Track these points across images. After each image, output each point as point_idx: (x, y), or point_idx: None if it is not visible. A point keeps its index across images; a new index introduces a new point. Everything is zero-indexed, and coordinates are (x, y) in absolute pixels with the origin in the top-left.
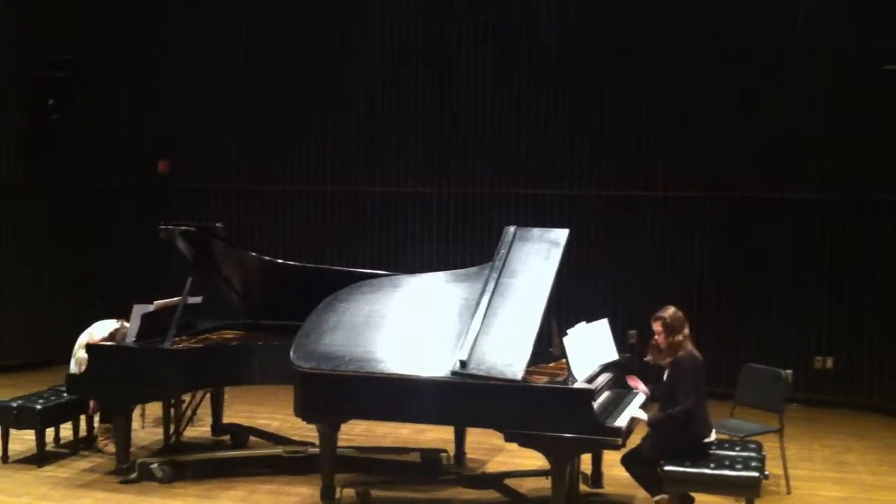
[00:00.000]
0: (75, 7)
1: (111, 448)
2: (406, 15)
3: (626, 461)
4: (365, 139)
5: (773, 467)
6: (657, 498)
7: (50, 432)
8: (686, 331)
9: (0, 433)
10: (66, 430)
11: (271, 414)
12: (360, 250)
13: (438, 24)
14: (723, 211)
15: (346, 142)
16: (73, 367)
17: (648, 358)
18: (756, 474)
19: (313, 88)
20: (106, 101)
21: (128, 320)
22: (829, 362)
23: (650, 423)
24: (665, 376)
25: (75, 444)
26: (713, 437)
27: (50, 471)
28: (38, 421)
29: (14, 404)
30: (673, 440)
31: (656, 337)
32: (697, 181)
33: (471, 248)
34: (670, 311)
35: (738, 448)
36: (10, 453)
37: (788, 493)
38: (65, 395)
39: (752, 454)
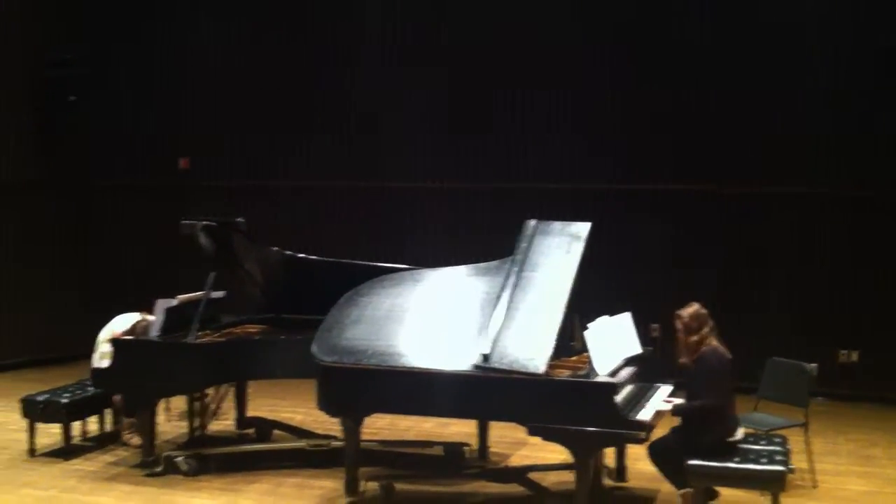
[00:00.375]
0: (82, 6)
1: (136, 441)
2: (413, 12)
3: (652, 453)
4: (378, 136)
5: (798, 461)
6: (682, 492)
7: (78, 427)
8: (706, 329)
9: (27, 427)
10: (93, 424)
11: (294, 408)
12: (379, 245)
13: (446, 19)
14: (746, 203)
15: (360, 138)
16: (96, 361)
17: (682, 360)
18: (781, 468)
19: (324, 85)
20: (116, 99)
21: (149, 313)
22: (855, 356)
23: (673, 412)
24: (692, 371)
25: (101, 438)
26: (740, 435)
27: (76, 464)
28: (64, 414)
29: (40, 398)
30: (699, 438)
31: (677, 335)
32: (720, 173)
33: (488, 242)
34: (690, 309)
35: (762, 442)
36: (36, 447)
37: (814, 487)
38: (90, 389)
39: (777, 448)
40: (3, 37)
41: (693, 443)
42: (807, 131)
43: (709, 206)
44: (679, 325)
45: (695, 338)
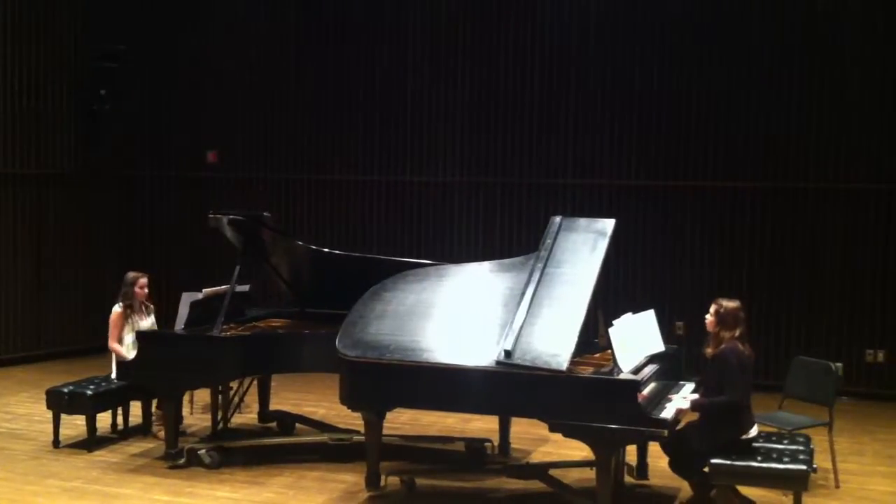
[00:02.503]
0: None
1: (164, 434)
2: (452, 7)
3: (674, 466)
4: (410, 130)
5: (821, 461)
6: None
7: (105, 419)
8: (738, 331)
9: (52, 418)
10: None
11: (317, 401)
12: (405, 240)
13: (484, 15)
14: (774, 202)
15: (392, 132)
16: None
17: (708, 349)
18: (804, 467)
19: (360, 79)
20: (153, 91)
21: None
22: (881, 356)
23: (692, 408)
24: (708, 366)
25: (126, 430)
26: (754, 432)
27: (100, 455)
28: (89, 406)
29: (65, 390)
30: (715, 434)
31: (707, 317)
32: (748, 171)
33: (517, 238)
34: (732, 304)
35: (786, 441)
36: (61, 438)
37: (837, 486)
38: (115, 381)
39: (801, 447)
40: (49, 31)
41: (709, 438)
42: (841, 128)
43: (736, 203)
44: (714, 310)
45: (725, 333)
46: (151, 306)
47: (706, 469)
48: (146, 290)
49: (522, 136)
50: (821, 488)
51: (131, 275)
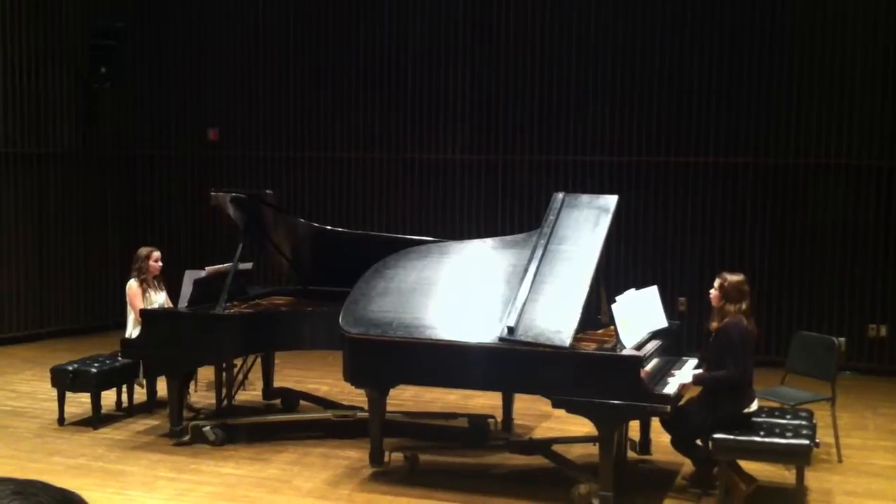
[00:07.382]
0: None
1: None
2: None
3: (676, 444)
4: (412, 107)
5: (824, 436)
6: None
7: (110, 397)
8: (743, 305)
9: (56, 396)
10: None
11: (321, 379)
12: (407, 217)
13: None
14: (777, 177)
15: (393, 109)
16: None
17: (713, 324)
18: (807, 442)
19: (361, 56)
20: (153, 69)
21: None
22: (883, 330)
23: (694, 382)
24: (710, 340)
25: (130, 408)
26: (754, 406)
27: (105, 433)
28: (94, 384)
29: (70, 368)
30: (717, 407)
31: (712, 291)
32: (749, 147)
33: (519, 215)
34: (737, 277)
35: (788, 416)
36: (66, 416)
37: (840, 461)
38: (120, 359)
39: (803, 422)
40: (49, 9)
41: (709, 412)
42: (842, 104)
43: (737, 179)
44: (718, 284)
45: (730, 307)
46: (162, 284)
47: (709, 445)
48: (160, 264)
49: (524, 112)
50: (823, 463)
51: (144, 249)
